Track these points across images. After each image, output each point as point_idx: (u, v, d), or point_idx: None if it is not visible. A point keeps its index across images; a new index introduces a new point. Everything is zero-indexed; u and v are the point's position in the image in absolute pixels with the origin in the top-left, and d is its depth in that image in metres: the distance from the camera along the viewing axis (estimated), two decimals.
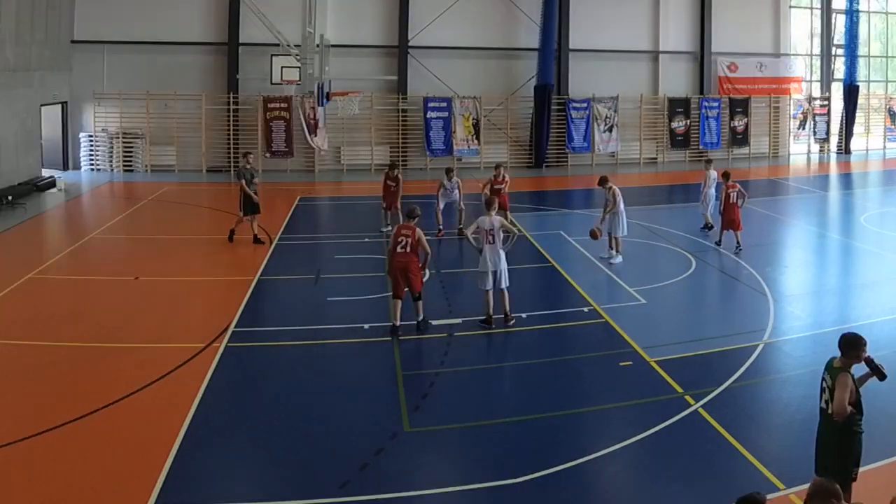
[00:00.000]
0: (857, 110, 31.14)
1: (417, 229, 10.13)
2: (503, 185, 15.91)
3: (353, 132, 25.86)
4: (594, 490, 6.52)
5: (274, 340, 9.84)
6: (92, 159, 24.84)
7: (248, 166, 14.96)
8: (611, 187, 13.72)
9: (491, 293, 10.25)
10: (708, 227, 16.05)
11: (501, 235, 10.28)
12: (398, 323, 9.96)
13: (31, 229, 16.99)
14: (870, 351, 9.54)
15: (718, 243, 14.81)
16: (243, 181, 14.63)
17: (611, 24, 27.87)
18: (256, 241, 14.82)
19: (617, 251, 13.73)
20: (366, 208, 19.14)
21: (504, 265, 10.24)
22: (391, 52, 26.31)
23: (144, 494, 6.12)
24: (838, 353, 5.64)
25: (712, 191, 16.12)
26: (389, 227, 15.42)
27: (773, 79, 30.28)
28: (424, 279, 10.79)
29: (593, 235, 13.59)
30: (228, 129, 25.17)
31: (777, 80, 30.37)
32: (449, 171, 16.33)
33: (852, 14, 30.28)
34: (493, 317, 10.29)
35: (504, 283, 10.22)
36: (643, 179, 24.46)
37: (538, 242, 15.16)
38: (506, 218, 14.17)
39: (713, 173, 16.18)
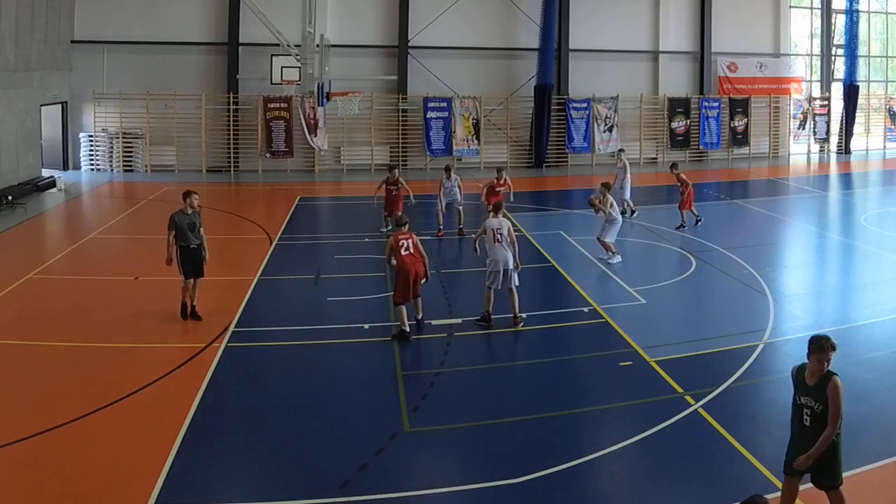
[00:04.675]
0: (857, 110, 31.15)
1: (413, 234, 10.21)
2: (503, 188, 15.99)
3: (353, 132, 25.88)
4: (594, 490, 6.51)
5: (274, 340, 9.84)
6: (92, 159, 24.87)
7: (191, 210, 10.58)
8: (604, 193, 13.92)
9: (493, 291, 10.28)
10: (631, 211, 17.60)
11: (507, 236, 10.30)
12: (408, 328, 9.84)
13: (31, 229, 16.99)
14: (868, 351, 9.62)
15: (684, 226, 16.45)
16: (173, 233, 10.40)
17: (611, 24, 27.90)
18: (193, 314, 10.57)
19: (613, 252, 13.74)
20: (366, 208, 19.08)
21: (512, 265, 10.26)
22: (391, 52, 26.31)
23: (144, 494, 6.12)
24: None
25: (629, 176, 17.82)
26: (389, 228, 15.40)
27: (773, 79, 30.29)
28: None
29: (592, 204, 13.97)
30: (228, 129, 25.19)
31: (777, 80, 30.39)
32: (448, 169, 16.36)
33: (852, 14, 30.29)
34: (496, 316, 10.29)
35: (514, 283, 10.25)
36: (643, 179, 24.39)
37: (538, 242, 15.15)
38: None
39: (627, 162, 18.22)
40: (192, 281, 10.54)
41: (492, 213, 10.79)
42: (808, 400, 5.31)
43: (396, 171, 16.09)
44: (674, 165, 17.68)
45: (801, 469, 5.31)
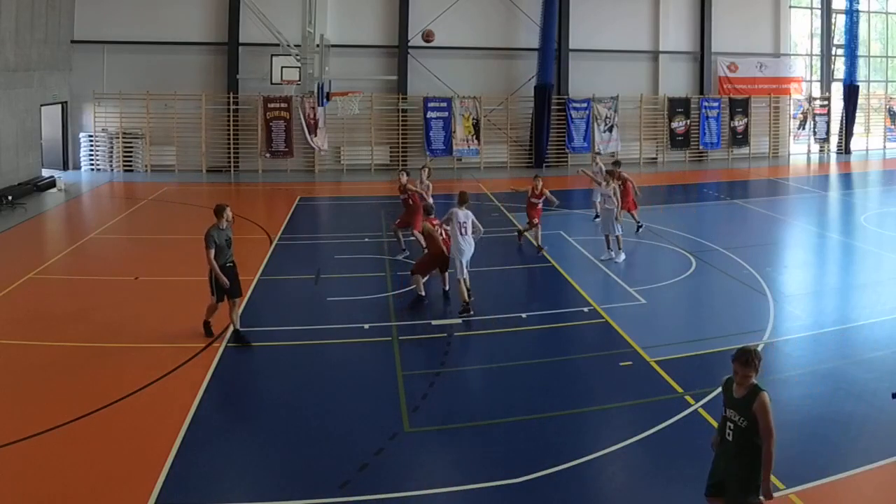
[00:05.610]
0: (857, 110, 31.15)
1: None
2: (541, 199, 14.38)
3: (353, 132, 25.88)
4: (594, 490, 6.51)
5: (274, 340, 9.84)
6: (92, 159, 24.86)
7: (226, 225, 9.57)
8: (614, 185, 13.97)
9: (463, 281, 10.69)
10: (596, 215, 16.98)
11: (472, 228, 10.96)
12: (423, 293, 11.15)
13: (31, 229, 16.98)
14: (868, 351, 9.59)
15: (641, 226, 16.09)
16: (212, 251, 9.35)
17: (611, 24, 27.90)
18: (210, 335, 9.74)
19: (619, 248, 13.72)
20: (366, 208, 19.14)
21: (468, 257, 10.89)
22: (391, 52, 26.32)
23: (144, 494, 6.12)
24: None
25: None
26: (406, 252, 13.80)
27: (773, 79, 30.29)
28: None
29: (427, 37, 13.95)
30: (228, 129, 25.19)
31: (777, 80, 30.38)
32: (422, 169, 14.87)
33: (852, 14, 30.29)
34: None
35: (463, 275, 10.74)
36: (643, 179, 24.36)
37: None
38: (537, 231, 14.27)
39: (602, 165, 17.50)
40: (221, 303, 9.64)
41: (458, 204, 11.14)
42: (733, 413, 5.02)
43: (403, 175, 14.18)
44: (616, 163, 16.30)
45: (768, 498, 4.98)
